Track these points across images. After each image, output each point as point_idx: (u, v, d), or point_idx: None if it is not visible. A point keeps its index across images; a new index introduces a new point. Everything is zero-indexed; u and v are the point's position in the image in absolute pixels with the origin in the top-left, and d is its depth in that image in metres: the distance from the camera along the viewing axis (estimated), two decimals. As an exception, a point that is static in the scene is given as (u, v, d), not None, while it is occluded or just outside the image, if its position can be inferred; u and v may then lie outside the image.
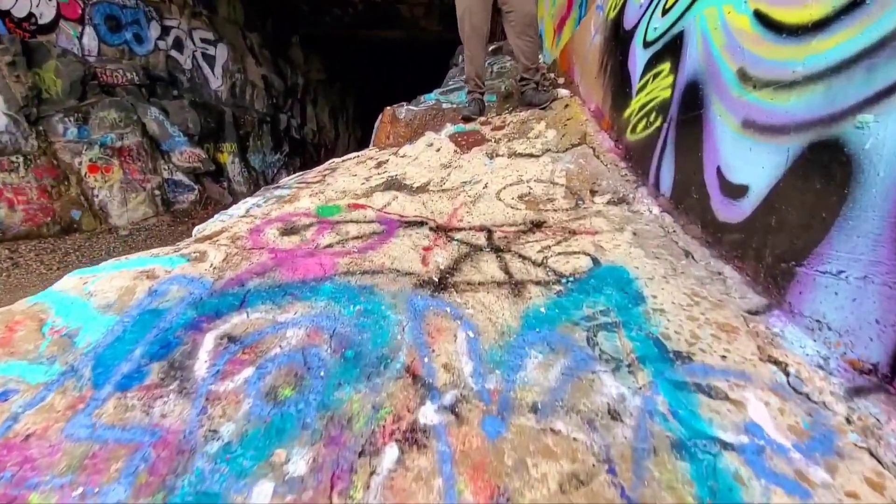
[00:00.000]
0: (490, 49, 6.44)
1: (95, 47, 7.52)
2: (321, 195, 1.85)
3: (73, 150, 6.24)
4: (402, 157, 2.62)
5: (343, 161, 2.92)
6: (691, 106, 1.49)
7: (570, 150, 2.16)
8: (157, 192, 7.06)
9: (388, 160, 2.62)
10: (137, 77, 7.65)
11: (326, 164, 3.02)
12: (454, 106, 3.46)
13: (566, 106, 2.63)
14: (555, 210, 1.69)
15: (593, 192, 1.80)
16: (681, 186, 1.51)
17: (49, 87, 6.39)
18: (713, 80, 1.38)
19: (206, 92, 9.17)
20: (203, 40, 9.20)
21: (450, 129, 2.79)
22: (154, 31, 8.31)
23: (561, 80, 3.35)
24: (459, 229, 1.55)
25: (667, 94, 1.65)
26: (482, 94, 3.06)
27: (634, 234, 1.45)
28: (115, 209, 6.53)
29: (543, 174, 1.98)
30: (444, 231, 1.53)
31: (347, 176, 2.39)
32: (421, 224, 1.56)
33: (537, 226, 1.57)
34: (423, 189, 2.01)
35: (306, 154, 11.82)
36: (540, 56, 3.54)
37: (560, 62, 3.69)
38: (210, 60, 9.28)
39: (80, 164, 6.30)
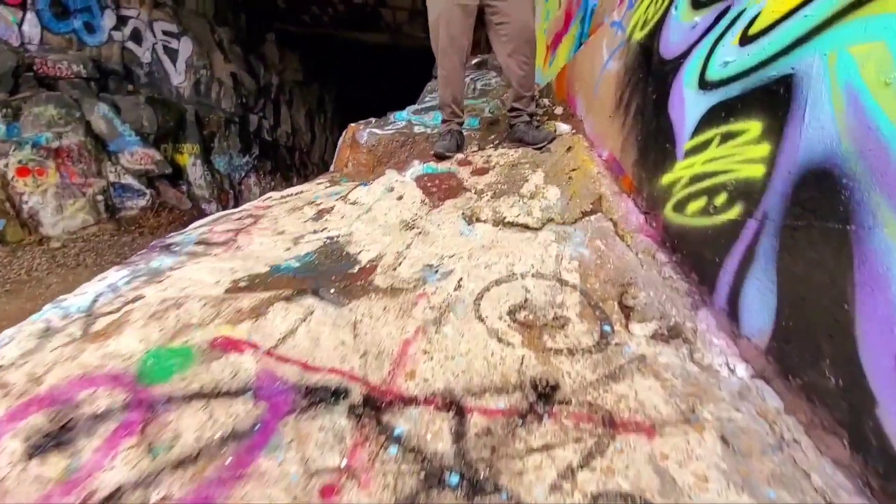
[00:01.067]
0: (472, 62, 5.68)
1: (37, 35, 6.43)
2: (177, 310, 1.07)
3: (-2, 150, 5.20)
4: (352, 203, 1.87)
5: (281, 200, 2.14)
6: (819, 208, 0.81)
7: (581, 221, 1.45)
8: (99, 197, 6.05)
9: (332, 207, 1.87)
10: (86, 70, 6.58)
11: (259, 202, 2.23)
12: (427, 131, 2.72)
13: (569, 149, 1.91)
14: (570, 351, 0.98)
15: (626, 310, 1.10)
16: (797, 343, 0.83)
17: (-31, 78, 5.32)
18: (880, 176, 0.71)
19: (167, 88, 8.13)
20: (165, 32, 8.14)
21: (418, 168, 2.05)
22: (108, 20, 7.23)
23: (559, 110, 2.54)
24: (407, 403, 0.83)
25: (755, 171, 0.97)
26: (460, 123, 2.31)
27: (723, 440, 0.76)
28: (48, 217, 5.51)
29: (546, 263, 1.27)
30: (376, 411, 0.80)
31: (269, 236, 1.62)
32: (337, 395, 0.83)
33: (544, 398, 0.86)
34: (364, 278, 1.27)
35: (279, 157, 10.84)
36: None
37: (556, 87, 2.84)
38: (172, 54, 8.22)
39: (7, 166, 5.25)
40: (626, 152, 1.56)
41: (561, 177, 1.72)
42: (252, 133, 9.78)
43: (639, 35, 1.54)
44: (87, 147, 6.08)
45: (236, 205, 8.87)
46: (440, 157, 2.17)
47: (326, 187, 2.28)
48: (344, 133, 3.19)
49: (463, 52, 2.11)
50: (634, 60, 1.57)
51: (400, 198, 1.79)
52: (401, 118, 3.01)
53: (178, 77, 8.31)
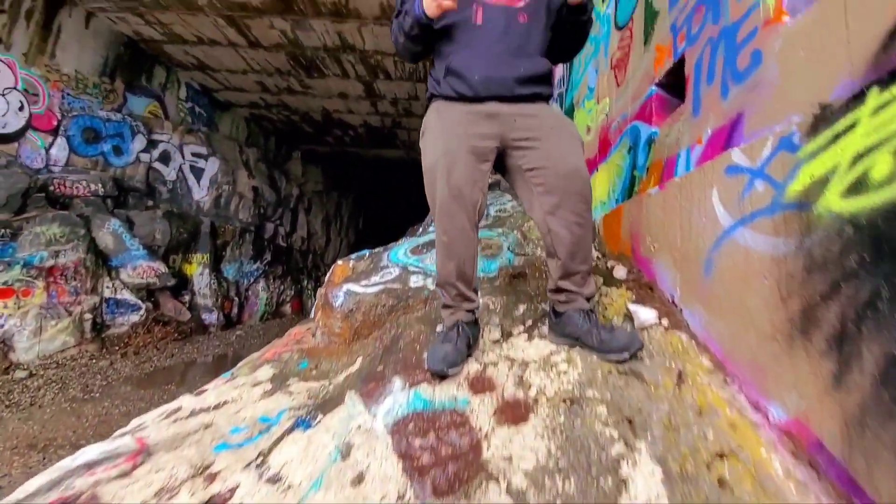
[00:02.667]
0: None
1: (64, 158, 6.17)
2: None
3: (-18, 271, 4.53)
4: (270, 482, 0.97)
5: (164, 433, 1.25)
6: None
7: None
8: (87, 315, 5.27)
9: (234, 489, 0.96)
10: (104, 188, 6.23)
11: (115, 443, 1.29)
12: (427, 284, 1.88)
13: (679, 379, 1.05)
14: None
15: None
16: None
17: (-24, 200, 4.85)
18: None
19: (187, 202, 7.79)
20: (194, 154, 8.02)
21: (400, 398, 1.18)
22: (138, 143, 7.09)
23: (619, 271, 1.57)
24: None
25: None
26: (471, 311, 1.36)
27: None
28: (23, 342, 4.68)
29: None
30: None
31: None
32: None
33: None
34: None
35: (291, 261, 10.26)
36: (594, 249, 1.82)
37: (606, 233, 1.93)
38: (198, 173, 8.03)
39: (-11, 287, 4.55)
40: (868, 447, 0.67)
41: (699, 479, 0.80)
42: (266, 240, 9.31)
43: (845, 205, 0.77)
44: (85, 264, 5.45)
45: (240, 313, 8.04)
46: (439, 376, 1.25)
47: (262, 394, 1.40)
48: (329, 273, 2.42)
49: (475, 210, 1.28)
50: (844, 248, 0.77)
51: (359, 479, 0.90)
52: (395, 260, 2.21)
53: (201, 192, 8.03)
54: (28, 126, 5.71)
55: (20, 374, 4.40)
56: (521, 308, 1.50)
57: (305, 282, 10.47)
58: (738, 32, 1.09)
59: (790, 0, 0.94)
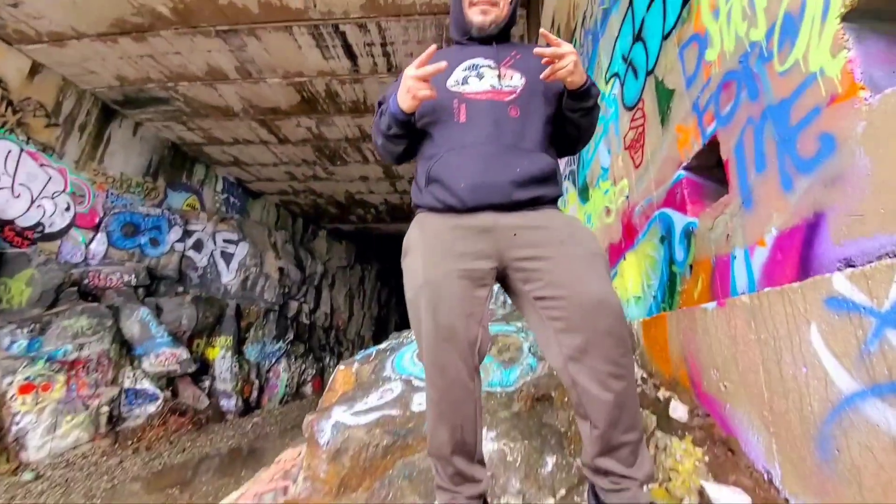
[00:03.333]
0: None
1: (102, 252, 6.35)
2: None
3: (7, 368, 4.45)
4: None
5: None
6: None
7: None
8: (104, 408, 5.02)
9: None
10: (137, 279, 6.31)
11: None
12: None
13: None
14: None
15: None
16: None
17: (13, 297, 4.91)
18: None
19: (216, 286, 7.81)
20: (226, 240, 8.21)
21: None
22: (174, 234, 7.31)
23: (679, 411, 1.16)
24: None
25: None
26: (477, 497, 0.91)
27: None
28: (35, 439, 4.42)
29: None
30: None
31: None
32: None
33: None
34: None
35: (314, 339, 9.99)
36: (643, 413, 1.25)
37: (649, 347, 1.53)
38: (228, 258, 8.15)
39: (11, 384, 4.41)
40: None
41: None
42: (290, 318, 9.15)
43: None
44: (108, 355, 5.32)
45: (259, 396, 7.64)
46: None
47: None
48: (332, 379, 2.12)
49: (472, 352, 0.94)
50: None
51: None
52: (400, 369, 1.76)
53: (229, 276, 8.09)
54: (72, 224, 5.97)
55: (27, 475, 4.08)
56: (550, 462, 1.13)
57: (328, 358, 10.09)
58: (790, 112, 0.86)
59: (866, 72, 0.70)
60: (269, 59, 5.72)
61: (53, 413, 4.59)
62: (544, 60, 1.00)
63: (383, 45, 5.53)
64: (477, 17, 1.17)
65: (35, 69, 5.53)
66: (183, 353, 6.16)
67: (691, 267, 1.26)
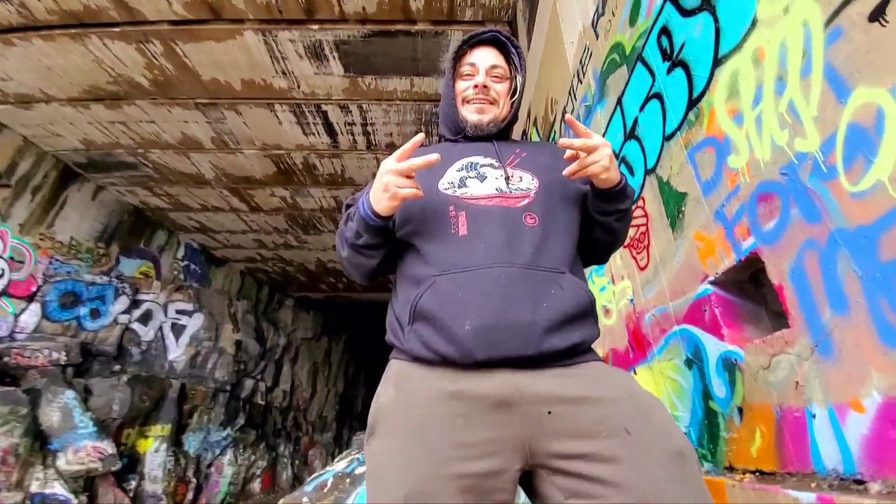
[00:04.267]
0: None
1: (34, 324, 5.55)
2: None
3: None
4: None
5: None
6: None
7: None
8: (-10, 528, 3.94)
9: None
10: (67, 356, 5.46)
11: None
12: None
13: None
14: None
15: None
16: None
17: None
18: None
19: (160, 364, 6.92)
20: (179, 311, 7.47)
21: None
22: (120, 305, 6.57)
23: None
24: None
25: None
26: None
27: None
28: None
29: None
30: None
31: None
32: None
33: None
34: None
35: (268, 423, 8.86)
36: None
37: None
38: (179, 330, 7.35)
39: None
40: None
41: None
42: (243, 399, 8.14)
43: None
44: (16, 451, 4.36)
45: (195, 498, 6.43)
46: None
47: None
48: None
49: None
50: None
51: None
52: None
53: (177, 351, 7.23)
54: (2, 293, 5.23)
55: None
56: None
57: (282, 447, 8.89)
58: (877, 244, 0.68)
59: None
60: (248, 132, 5.65)
61: (-87, 539, 3.54)
62: (568, 154, 0.80)
63: (364, 124, 5.61)
64: (472, 115, 0.98)
65: (-8, 129, 5.18)
66: (108, 447, 5.17)
67: (741, 410, 1.01)
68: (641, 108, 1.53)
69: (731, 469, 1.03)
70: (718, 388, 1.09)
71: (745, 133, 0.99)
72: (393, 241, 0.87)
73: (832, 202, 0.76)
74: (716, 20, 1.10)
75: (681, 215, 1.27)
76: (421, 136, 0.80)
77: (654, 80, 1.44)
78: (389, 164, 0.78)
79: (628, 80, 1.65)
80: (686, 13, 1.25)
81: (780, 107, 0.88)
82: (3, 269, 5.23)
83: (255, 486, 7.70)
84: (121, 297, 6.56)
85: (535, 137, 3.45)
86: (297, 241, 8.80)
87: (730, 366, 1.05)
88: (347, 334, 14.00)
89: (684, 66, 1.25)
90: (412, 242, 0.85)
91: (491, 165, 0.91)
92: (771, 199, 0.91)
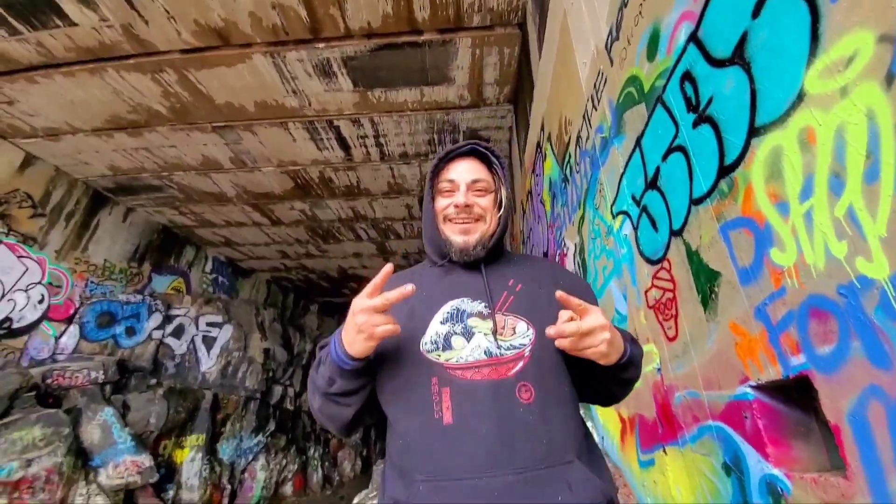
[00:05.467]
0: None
1: (73, 345, 5.82)
2: None
3: (-75, 502, 3.72)
4: None
5: None
6: None
7: None
8: (41, 543, 4.19)
9: None
10: (105, 374, 5.71)
11: None
12: None
13: None
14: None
15: None
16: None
17: (-46, 409, 4.32)
18: None
19: (193, 376, 7.17)
20: (209, 324, 7.70)
21: None
22: (154, 321, 6.82)
23: None
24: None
25: None
26: None
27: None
28: None
29: None
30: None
31: None
32: None
33: None
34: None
35: (297, 427, 9.09)
36: None
37: None
38: (210, 342, 7.59)
39: (-73, 522, 3.67)
40: None
41: None
42: (273, 405, 8.36)
43: None
44: (59, 470, 4.60)
45: (230, 503, 6.67)
46: None
47: None
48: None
49: None
50: None
51: None
52: None
53: (209, 362, 7.47)
54: (44, 317, 5.51)
55: None
56: None
57: (312, 450, 9.11)
58: None
59: None
60: (264, 151, 5.68)
61: (-25, 556, 3.80)
62: (559, 295, 0.68)
63: (376, 136, 5.53)
64: (457, 237, 0.86)
65: (28, 161, 5.41)
66: (145, 461, 5.39)
67: None
68: (664, 159, 1.36)
69: None
70: (761, 513, 0.94)
71: (790, 227, 0.82)
72: (370, 385, 0.77)
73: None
74: (751, 80, 0.93)
75: (713, 296, 1.10)
76: (389, 266, 0.72)
77: (677, 131, 1.27)
78: (361, 302, 0.69)
79: (647, 122, 1.48)
80: (714, 63, 1.07)
81: (837, 211, 0.72)
82: (43, 295, 5.49)
83: (287, 489, 7.93)
84: (154, 313, 6.80)
85: (549, 154, 3.26)
86: (319, 251, 8.89)
87: (775, 493, 0.90)
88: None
89: (713, 124, 1.08)
90: (390, 416, 0.75)
91: (480, 315, 0.78)
92: (826, 318, 0.75)
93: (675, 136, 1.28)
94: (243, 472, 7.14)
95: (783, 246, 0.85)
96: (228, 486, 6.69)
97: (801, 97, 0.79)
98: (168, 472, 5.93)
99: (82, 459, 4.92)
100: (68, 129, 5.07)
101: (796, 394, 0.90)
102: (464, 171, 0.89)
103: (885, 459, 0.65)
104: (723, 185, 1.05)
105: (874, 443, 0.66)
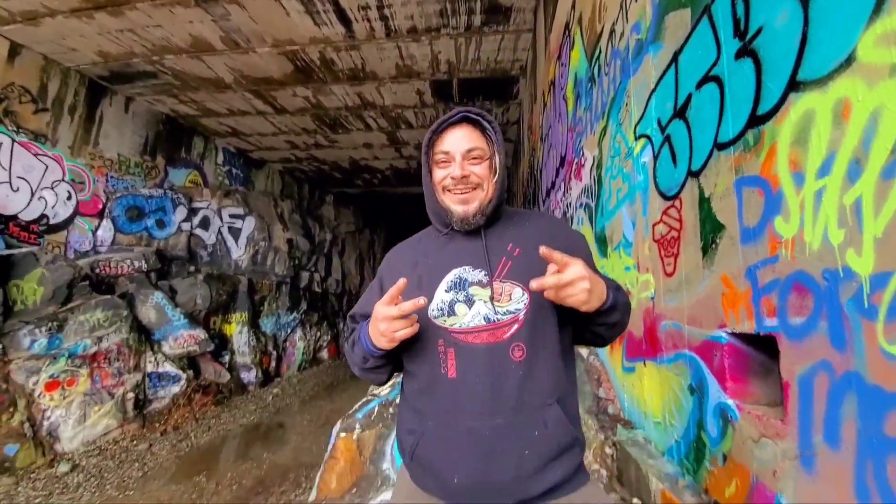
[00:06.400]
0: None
1: (110, 238, 6.29)
2: None
3: (31, 368, 4.59)
4: None
5: None
6: None
7: None
8: (130, 395, 5.26)
9: None
10: (148, 263, 6.29)
11: None
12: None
13: None
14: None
15: None
16: None
17: (27, 298, 4.96)
18: None
19: (227, 262, 7.81)
20: (232, 216, 8.05)
21: None
22: (180, 214, 7.16)
23: None
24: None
25: None
26: None
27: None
28: (67, 431, 4.68)
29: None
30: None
31: None
32: None
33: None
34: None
35: (326, 306, 10.17)
36: None
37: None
38: (235, 233, 8.05)
39: (36, 383, 4.59)
40: None
41: None
42: (302, 289, 9.24)
43: None
44: (127, 344, 5.46)
45: (278, 366, 7.95)
46: None
47: None
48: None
49: None
50: None
51: None
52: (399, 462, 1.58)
53: (239, 251, 8.05)
54: (76, 213, 5.85)
55: (63, 467, 4.37)
56: None
57: (341, 324, 10.34)
58: (885, 417, 0.62)
59: None
60: (256, 28, 5.14)
61: (81, 405, 4.81)
62: (543, 252, 0.75)
63: (380, 7, 4.89)
64: (457, 207, 0.89)
65: (14, 51, 5.09)
66: (200, 334, 6.30)
67: (725, 456, 1.07)
68: (698, 87, 1.25)
69: (706, 492, 1.16)
70: (712, 427, 1.15)
71: (800, 201, 0.82)
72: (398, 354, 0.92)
73: (861, 344, 0.68)
74: (805, 21, 0.81)
75: (714, 246, 1.14)
76: (403, 280, 0.80)
77: (718, 57, 1.14)
78: (382, 310, 0.79)
79: (690, 35, 1.31)
80: (773, -15, 0.91)
81: (847, 199, 0.71)
82: (69, 192, 5.73)
83: (324, 354, 9.32)
84: (179, 206, 7.10)
85: (578, 42, 2.89)
86: (328, 141, 8.66)
87: (725, 417, 1.09)
88: (387, 227, 14.64)
89: (756, 61, 0.98)
90: (407, 366, 0.91)
91: (479, 283, 0.86)
92: (805, 295, 0.80)
93: (715, 63, 1.16)
94: (285, 341, 8.31)
95: (788, 217, 0.86)
96: (274, 353, 7.89)
97: (849, 61, 0.71)
98: (221, 343, 6.95)
99: (145, 335, 5.78)
100: (45, 11, 4.61)
101: (761, 347, 1.01)
102: (457, 142, 0.88)
103: (816, 419, 0.78)
104: (749, 135, 1.00)
105: (812, 404, 0.79)
